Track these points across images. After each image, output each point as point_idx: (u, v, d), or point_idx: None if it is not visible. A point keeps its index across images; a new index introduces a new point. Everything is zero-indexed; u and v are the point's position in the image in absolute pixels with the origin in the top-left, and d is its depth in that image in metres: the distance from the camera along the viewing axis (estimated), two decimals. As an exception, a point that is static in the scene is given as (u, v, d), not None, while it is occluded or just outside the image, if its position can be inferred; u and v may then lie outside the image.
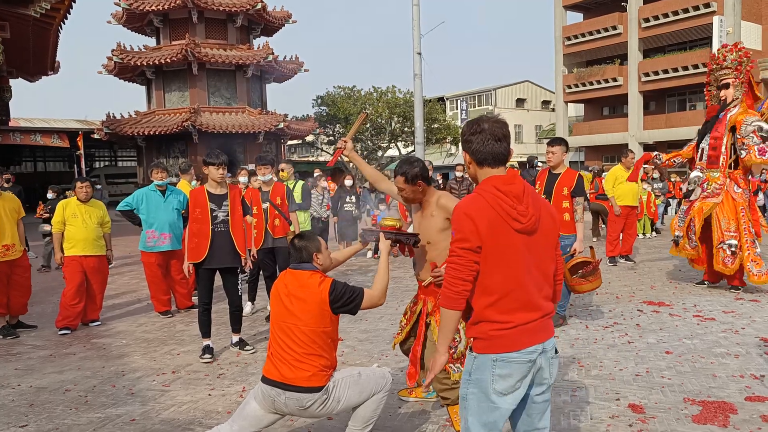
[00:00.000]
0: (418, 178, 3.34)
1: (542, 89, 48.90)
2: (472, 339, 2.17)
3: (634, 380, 4.24)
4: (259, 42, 24.29)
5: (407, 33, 24.26)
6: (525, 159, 15.23)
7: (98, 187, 10.21)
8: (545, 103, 48.73)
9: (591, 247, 5.73)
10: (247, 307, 6.80)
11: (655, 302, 6.69)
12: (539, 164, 13.98)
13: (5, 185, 9.38)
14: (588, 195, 11.58)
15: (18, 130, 25.17)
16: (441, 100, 43.54)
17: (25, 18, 11.19)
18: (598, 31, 33.66)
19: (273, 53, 22.40)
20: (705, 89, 7.74)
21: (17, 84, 19.25)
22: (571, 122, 38.15)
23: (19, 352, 5.53)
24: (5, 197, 6.20)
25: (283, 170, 7.79)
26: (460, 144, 36.28)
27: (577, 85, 35.17)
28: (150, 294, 6.91)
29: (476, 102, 47.85)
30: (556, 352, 2.23)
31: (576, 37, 34.86)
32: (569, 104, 37.73)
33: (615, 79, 33.34)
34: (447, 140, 33.31)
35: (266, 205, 6.31)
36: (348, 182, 10.97)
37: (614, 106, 36.71)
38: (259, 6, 22.39)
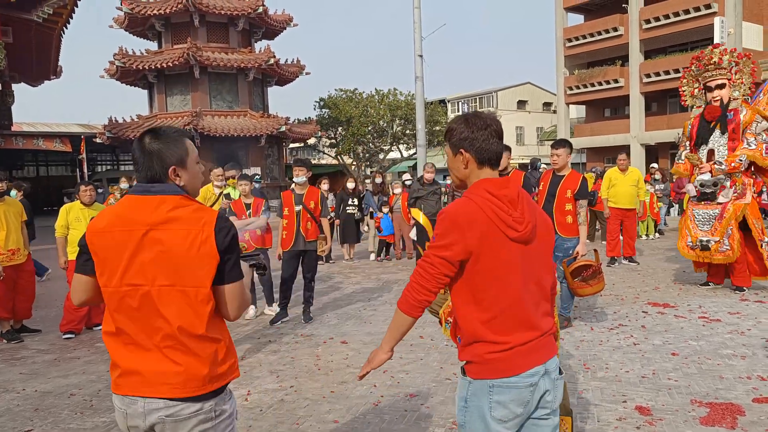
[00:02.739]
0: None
1: (543, 91, 48.91)
2: (464, 362, 1.94)
3: (640, 382, 4.23)
4: (260, 45, 24.35)
5: (409, 36, 24.16)
6: (527, 161, 15.19)
7: (100, 191, 10.21)
8: (546, 105, 48.73)
9: (595, 250, 5.72)
10: (251, 310, 6.80)
11: (660, 303, 6.67)
12: (542, 166, 13.96)
13: (14, 190, 9.44)
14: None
15: (20, 135, 25.21)
16: (442, 102, 43.57)
17: (28, 23, 11.22)
18: (599, 33, 33.66)
19: (274, 56, 22.43)
20: (680, 89, 7.66)
21: (20, 88, 19.30)
22: (572, 124, 38.13)
23: (24, 357, 5.53)
24: (8, 202, 6.21)
25: (234, 177, 7.60)
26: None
27: (578, 87, 35.15)
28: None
29: (477, 104, 47.87)
30: (561, 372, 2.02)
31: (577, 38, 34.86)
32: (571, 106, 37.72)
33: (616, 81, 33.33)
34: (449, 142, 33.25)
35: (299, 207, 6.27)
36: (350, 185, 10.96)
37: (615, 107, 36.68)
38: (261, 10, 22.44)
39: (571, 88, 35.58)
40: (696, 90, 7.47)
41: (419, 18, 20.27)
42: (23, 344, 5.98)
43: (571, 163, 6.04)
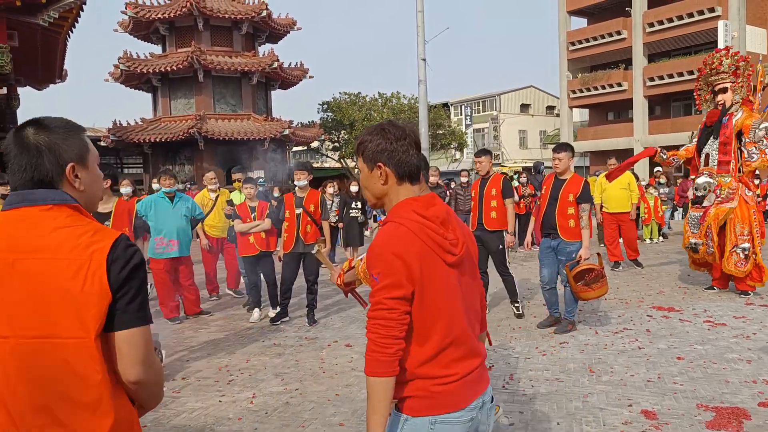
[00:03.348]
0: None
1: (547, 94, 48.90)
2: (397, 400, 1.73)
3: (645, 386, 4.22)
4: (264, 49, 24.41)
5: (412, 39, 24.20)
6: (530, 164, 15.23)
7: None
8: (550, 109, 48.72)
9: (598, 254, 5.73)
10: (255, 314, 6.81)
11: (665, 307, 6.66)
12: (545, 170, 13.98)
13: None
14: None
15: (25, 138, 25.29)
16: (445, 105, 43.59)
17: (33, 27, 11.29)
18: (603, 36, 33.65)
19: (278, 60, 22.49)
20: (695, 94, 7.74)
21: (25, 92, 19.38)
22: (575, 127, 38.12)
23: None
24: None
25: (240, 180, 7.67)
26: (464, 150, 35.95)
27: (581, 90, 35.14)
28: (159, 300, 6.92)
29: (480, 107, 47.89)
30: (492, 400, 1.87)
31: (580, 42, 34.86)
32: (574, 109, 37.70)
33: (620, 84, 33.31)
34: (452, 146, 33.30)
35: (299, 210, 6.36)
36: (354, 188, 10.98)
37: (619, 111, 36.65)
38: (264, 13, 22.50)
39: (574, 92, 35.57)
40: (707, 94, 7.51)
41: (422, 22, 20.32)
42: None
43: (575, 167, 6.06)
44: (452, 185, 14.32)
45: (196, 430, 3.77)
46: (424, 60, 20.69)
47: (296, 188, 6.50)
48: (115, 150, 28.36)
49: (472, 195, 6.65)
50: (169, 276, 6.74)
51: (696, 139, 7.53)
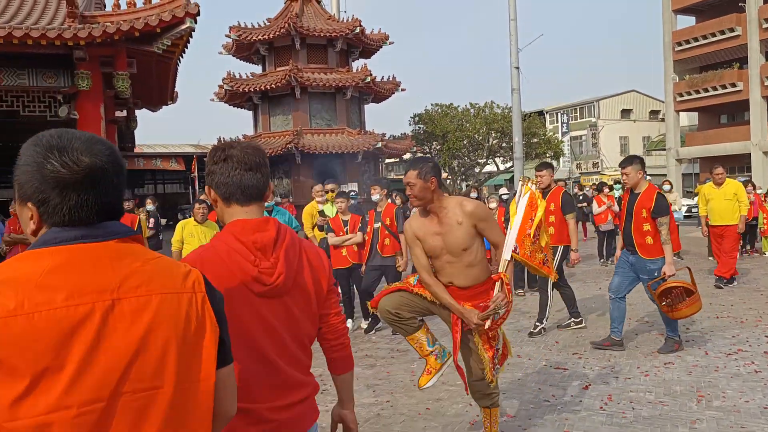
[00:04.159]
0: (431, 174, 3.10)
1: (650, 98, 46.43)
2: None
3: (762, 413, 3.88)
4: (357, 64, 25.00)
5: (505, 48, 23.90)
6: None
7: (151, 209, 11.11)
8: (654, 113, 46.20)
9: (688, 268, 5.40)
10: (348, 323, 6.95)
11: (787, 328, 6.09)
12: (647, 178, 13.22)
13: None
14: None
15: (141, 156, 27.50)
16: (540, 113, 42.52)
17: (149, 54, 12.25)
18: (713, 35, 31.51)
19: (371, 75, 22.95)
20: None
21: (141, 114, 21.06)
22: (683, 132, 35.84)
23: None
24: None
25: (333, 190, 7.88)
26: (561, 159, 34.82)
27: (689, 93, 33.03)
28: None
29: (578, 114, 46.30)
30: None
31: (688, 41, 32.85)
32: (681, 113, 35.51)
33: (734, 85, 30.98)
34: (547, 155, 32.39)
35: (378, 224, 6.71)
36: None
37: (733, 113, 34.07)
38: (358, 30, 23.09)
39: (681, 95, 33.52)
40: None
41: (515, 30, 20.01)
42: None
43: (683, 174, 5.74)
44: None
45: None
46: (518, 68, 20.33)
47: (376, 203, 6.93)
48: (220, 165, 30.03)
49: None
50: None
51: None
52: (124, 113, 17.76)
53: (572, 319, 6.49)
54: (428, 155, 31.73)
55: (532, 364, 5.26)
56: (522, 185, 3.26)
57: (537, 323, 6.33)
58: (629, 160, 5.52)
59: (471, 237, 3.15)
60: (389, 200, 8.18)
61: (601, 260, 11.54)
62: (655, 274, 5.27)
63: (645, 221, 5.30)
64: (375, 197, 6.95)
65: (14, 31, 10.10)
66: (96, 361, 1.03)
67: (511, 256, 3.18)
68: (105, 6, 14.82)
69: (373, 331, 6.62)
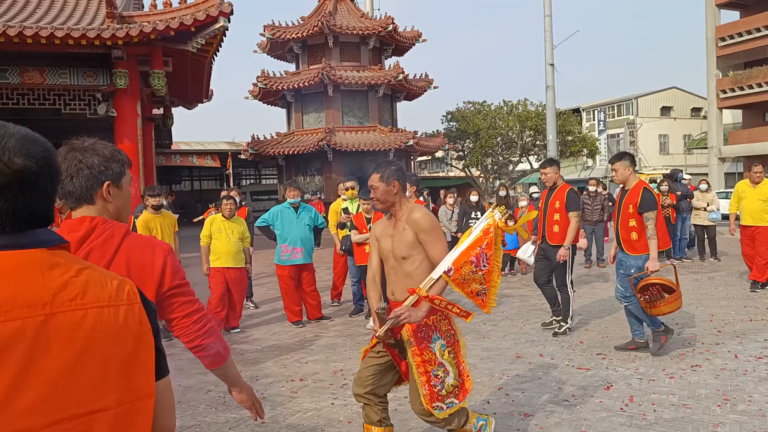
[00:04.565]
0: (393, 177, 3.05)
1: (691, 95, 45.15)
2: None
3: (790, 420, 3.76)
4: (390, 62, 25.02)
5: (539, 44, 23.58)
6: (668, 171, 14.09)
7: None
8: (695, 111, 44.92)
9: (673, 266, 5.43)
10: (371, 321, 7.00)
11: (824, 333, 5.88)
12: (684, 178, 12.89)
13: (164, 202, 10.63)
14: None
15: (178, 153, 28.11)
16: (576, 111, 41.79)
17: (184, 53, 12.53)
18: (758, 30, 30.44)
19: (403, 72, 22.95)
20: None
21: (177, 111, 21.52)
22: (726, 130, 34.77)
23: (172, 353, 6.14)
24: (164, 214, 6.96)
25: (353, 188, 7.88)
26: (597, 157, 34.05)
27: (733, 90, 32.02)
28: (283, 305, 7.35)
29: (615, 112, 45.32)
30: None
31: (731, 37, 31.83)
32: (724, 110, 34.45)
33: (779, 81, 29.92)
34: (582, 153, 31.83)
35: None
36: (473, 198, 10.89)
37: (779, 110, 32.91)
38: (391, 28, 23.10)
39: (724, 91, 32.51)
40: None
41: (550, 26, 19.74)
42: (173, 342, 6.63)
43: (726, 174, 5.67)
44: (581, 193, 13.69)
45: (308, 429, 3.96)
46: (552, 65, 20.07)
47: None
48: (254, 162, 30.52)
49: (539, 206, 6.53)
50: (293, 282, 7.14)
51: None
52: (161, 111, 18.17)
53: (553, 318, 6.50)
54: (461, 153, 31.58)
55: (553, 363, 5.21)
56: (489, 210, 3.08)
57: (562, 323, 6.27)
58: (618, 157, 5.51)
59: (411, 246, 3.04)
60: (420, 197, 8.20)
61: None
62: (632, 271, 5.28)
63: (631, 217, 5.30)
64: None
65: (56, 31, 10.46)
66: (27, 386, 0.90)
67: (441, 277, 2.86)
68: (143, 6, 15.20)
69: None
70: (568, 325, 6.25)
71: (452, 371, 3.00)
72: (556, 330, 6.25)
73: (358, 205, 7.37)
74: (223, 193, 8.12)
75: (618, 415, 3.95)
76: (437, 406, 2.94)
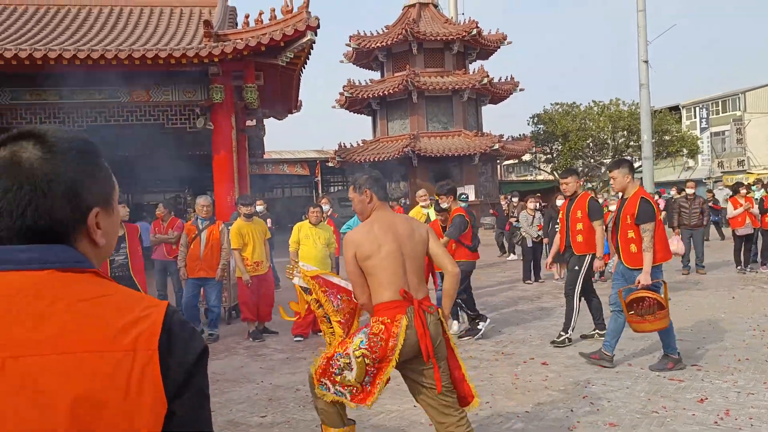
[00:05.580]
0: (365, 186, 3.14)
1: (808, 87, 41.42)
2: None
3: None
4: (474, 66, 24.91)
5: (632, 41, 22.67)
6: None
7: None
8: (813, 104, 41.16)
9: (664, 282, 4.98)
10: (454, 326, 7.01)
11: None
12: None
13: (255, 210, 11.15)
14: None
15: (270, 162, 29.35)
16: (675, 109, 39.55)
17: (274, 67, 13.14)
18: None
19: (488, 76, 22.79)
20: None
21: (269, 122, 22.52)
22: None
23: (264, 354, 6.48)
24: (256, 221, 7.37)
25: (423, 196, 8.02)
26: (698, 156, 32.20)
27: None
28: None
29: (720, 108, 42.40)
30: None
31: None
32: None
33: None
34: (681, 153, 30.10)
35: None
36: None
37: None
38: (475, 32, 23.02)
39: (844, 82, 29.65)
40: None
41: (644, 21, 18.94)
42: (264, 343, 6.99)
43: None
44: (676, 196, 13.00)
45: (391, 430, 4.08)
46: (647, 62, 19.20)
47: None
48: (341, 170, 31.30)
49: (560, 216, 6.47)
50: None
51: None
52: (254, 122, 19.10)
53: (596, 330, 6.27)
54: (549, 156, 30.82)
55: (643, 373, 5.03)
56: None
57: (561, 332, 6.15)
58: (617, 164, 5.30)
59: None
60: (399, 205, 8.30)
61: (738, 267, 10.58)
62: (626, 283, 5.07)
63: (629, 228, 5.04)
64: (444, 205, 6.82)
65: (160, 52, 11.31)
66: None
67: (337, 288, 3.34)
68: (237, 24, 16.08)
69: (480, 335, 6.63)
70: (567, 335, 6.09)
71: (356, 374, 2.99)
72: (555, 339, 6.14)
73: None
74: (323, 201, 8.46)
75: (711, 429, 3.77)
76: (323, 383, 3.05)
